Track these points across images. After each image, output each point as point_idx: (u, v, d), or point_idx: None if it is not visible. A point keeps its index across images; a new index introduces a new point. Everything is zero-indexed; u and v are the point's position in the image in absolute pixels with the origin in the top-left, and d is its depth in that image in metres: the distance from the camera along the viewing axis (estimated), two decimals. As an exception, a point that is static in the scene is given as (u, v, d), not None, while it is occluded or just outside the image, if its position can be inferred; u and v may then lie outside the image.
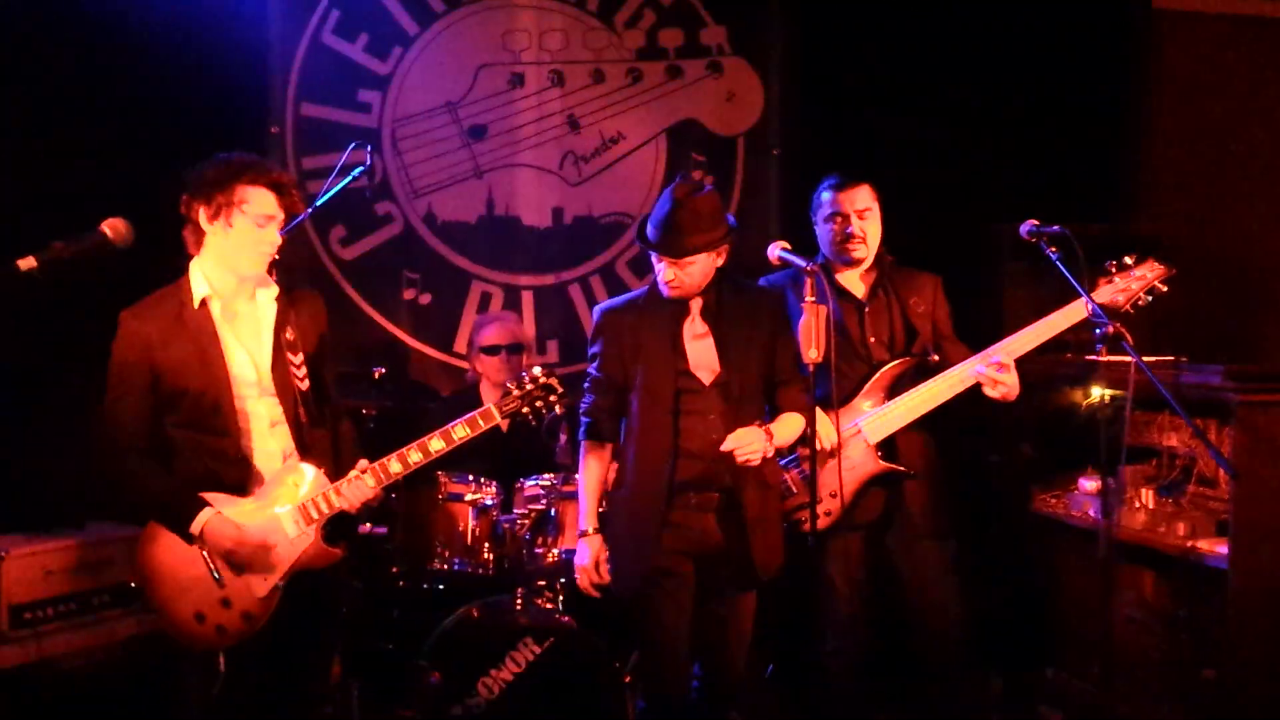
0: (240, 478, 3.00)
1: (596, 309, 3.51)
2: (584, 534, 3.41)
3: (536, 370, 3.15)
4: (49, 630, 3.95)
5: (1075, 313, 3.52)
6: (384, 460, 3.06)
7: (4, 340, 4.03)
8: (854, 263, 3.67)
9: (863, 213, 3.63)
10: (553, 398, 3.14)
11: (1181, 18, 5.41)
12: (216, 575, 2.97)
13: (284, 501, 2.99)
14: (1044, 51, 5.12)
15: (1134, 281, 3.58)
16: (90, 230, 2.77)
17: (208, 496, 2.97)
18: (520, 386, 3.14)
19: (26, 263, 2.62)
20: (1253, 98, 5.53)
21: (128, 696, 4.00)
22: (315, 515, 3.00)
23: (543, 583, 3.89)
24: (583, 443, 3.45)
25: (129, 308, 3.01)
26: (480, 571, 3.88)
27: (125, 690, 4.01)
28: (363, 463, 3.06)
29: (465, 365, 4.80)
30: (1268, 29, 5.50)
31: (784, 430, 3.33)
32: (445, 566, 3.90)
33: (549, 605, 3.85)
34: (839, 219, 3.63)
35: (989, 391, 3.52)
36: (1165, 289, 3.59)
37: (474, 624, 3.79)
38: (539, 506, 3.86)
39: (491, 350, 4.33)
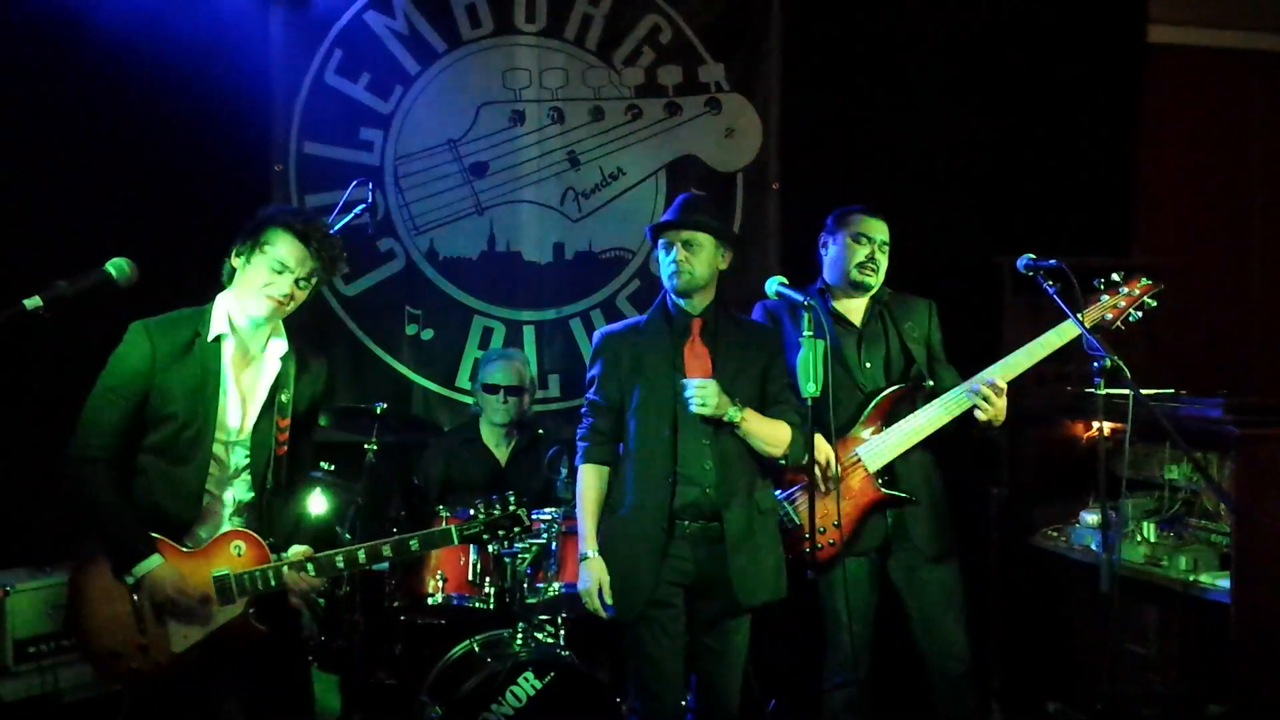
0: (191, 517, 2.95)
1: (597, 332, 3.54)
2: (585, 558, 3.36)
3: (510, 496, 3.13)
4: (53, 664, 3.97)
5: (1069, 330, 3.55)
6: (330, 554, 3.00)
7: (8, 378, 4.06)
8: (861, 287, 3.71)
9: (882, 245, 3.71)
10: (517, 529, 3.12)
11: (1176, 51, 5.46)
12: (139, 621, 2.91)
13: (222, 566, 2.94)
14: (1042, 86, 5.16)
15: (1122, 299, 3.63)
16: (94, 269, 2.78)
17: (155, 540, 2.91)
18: (488, 511, 3.11)
19: (32, 302, 2.64)
20: (1247, 127, 5.57)
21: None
22: (249, 589, 2.95)
23: (544, 617, 3.89)
24: (580, 466, 3.44)
25: (145, 320, 2.95)
26: (481, 606, 3.88)
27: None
28: (298, 549, 3.00)
29: (468, 400, 4.82)
30: (1260, 60, 5.56)
31: (765, 423, 3.33)
32: (446, 601, 3.90)
33: (550, 639, 3.85)
34: (866, 241, 3.69)
35: (979, 414, 3.54)
36: (1155, 304, 3.64)
37: (475, 658, 3.79)
38: (540, 541, 3.85)
39: (491, 389, 4.35)
